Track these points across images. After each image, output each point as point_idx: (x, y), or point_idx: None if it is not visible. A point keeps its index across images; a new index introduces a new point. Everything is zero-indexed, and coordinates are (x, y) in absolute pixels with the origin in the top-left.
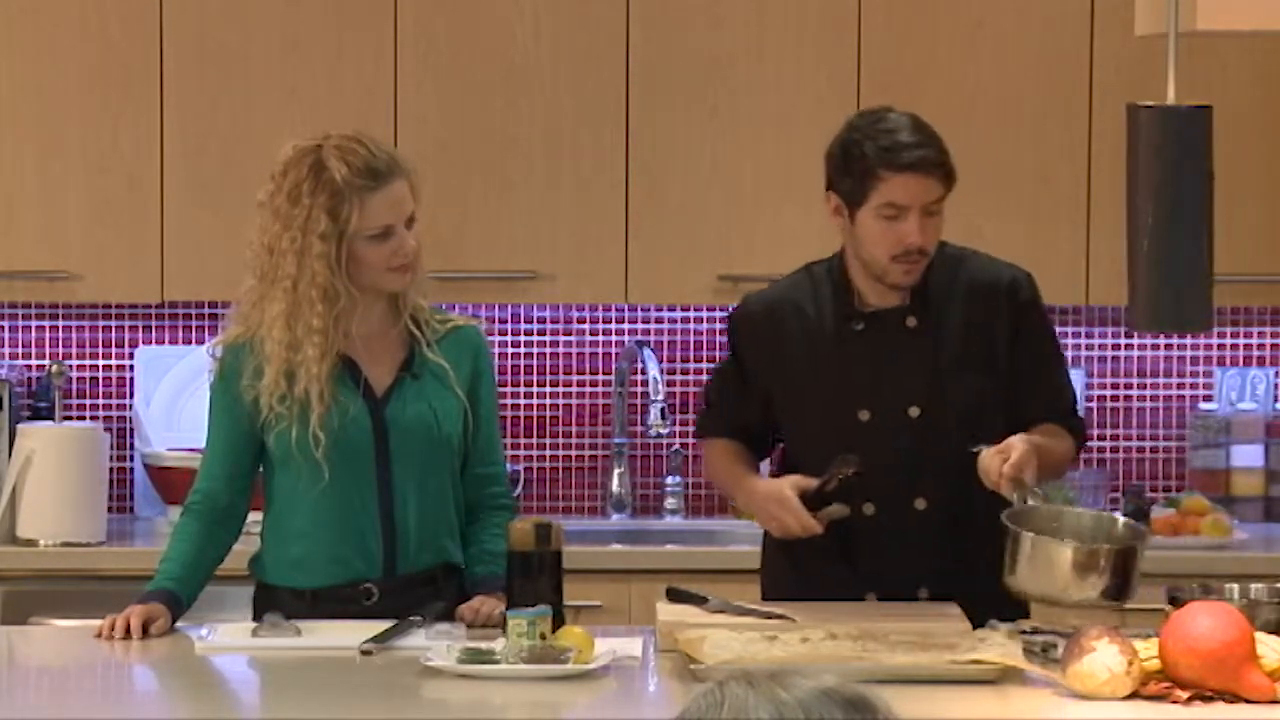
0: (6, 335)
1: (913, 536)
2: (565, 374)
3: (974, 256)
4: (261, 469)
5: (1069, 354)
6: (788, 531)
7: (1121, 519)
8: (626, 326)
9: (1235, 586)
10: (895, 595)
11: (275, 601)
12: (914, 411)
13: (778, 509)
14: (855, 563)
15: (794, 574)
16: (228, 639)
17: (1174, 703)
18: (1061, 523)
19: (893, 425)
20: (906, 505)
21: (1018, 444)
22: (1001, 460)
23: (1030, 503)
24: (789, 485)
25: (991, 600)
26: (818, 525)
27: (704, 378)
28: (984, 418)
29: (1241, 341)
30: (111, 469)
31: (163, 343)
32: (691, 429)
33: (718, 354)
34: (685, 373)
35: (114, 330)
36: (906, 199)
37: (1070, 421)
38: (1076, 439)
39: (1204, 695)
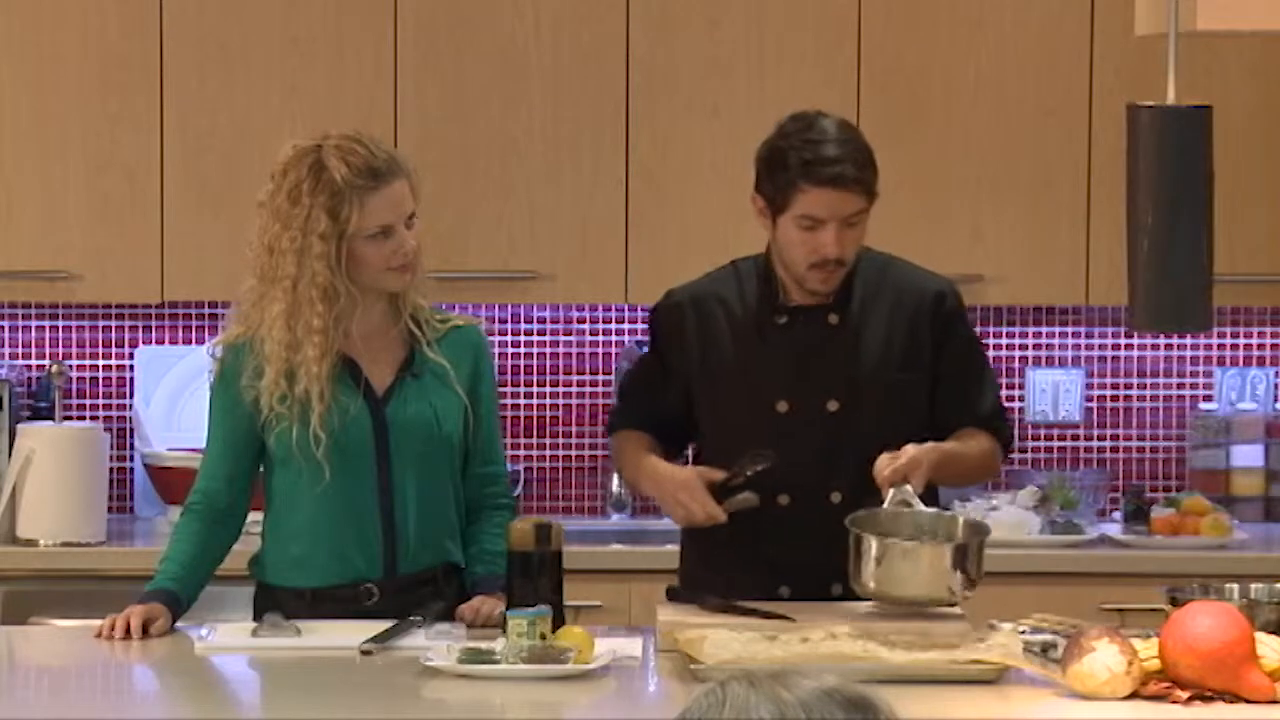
0: (6, 335)
1: (827, 530)
2: (565, 374)
3: (899, 263)
4: (262, 469)
5: (1069, 354)
6: (692, 519)
7: (961, 517)
8: (626, 326)
9: (1235, 586)
10: (808, 590)
11: (275, 601)
12: (832, 405)
13: (685, 496)
14: (768, 555)
15: (705, 568)
16: (228, 639)
17: (1174, 703)
18: (901, 524)
19: (810, 418)
20: (821, 498)
21: (910, 449)
22: (888, 463)
23: (905, 507)
24: (695, 473)
25: None
26: (722, 514)
27: None
28: (902, 416)
29: (1241, 341)
30: (111, 469)
31: (163, 343)
32: None
33: None
34: None
35: (114, 330)
36: (824, 212)
37: (992, 425)
38: (1001, 443)
39: (1204, 695)
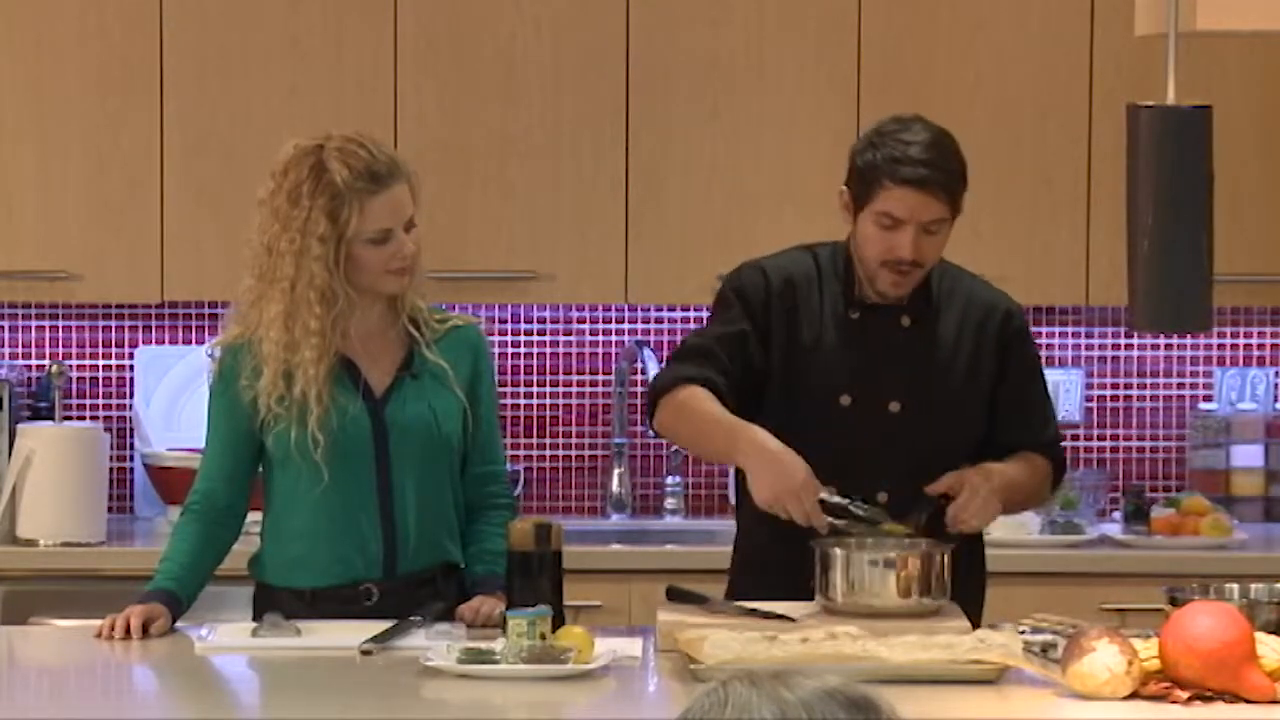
0: (6, 335)
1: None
2: (565, 374)
3: (972, 277)
4: (261, 469)
5: (1069, 354)
6: (787, 514)
7: (924, 539)
8: (626, 326)
9: (1235, 586)
10: None
11: (275, 602)
12: (894, 406)
13: (793, 502)
14: (808, 548)
15: (751, 557)
16: (228, 639)
17: (1174, 703)
18: (866, 543)
19: (871, 415)
20: (869, 496)
21: (983, 491)
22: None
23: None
24: (809, 476)
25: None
26: (824, 523)
27: None
28: (960, 426)
29: (1241, 341)
30: (111, 469)
31: (163, 343)
32: None
33: None
34: None
35: (114, 330)
36: (903, 212)
37: (1051, 451)
38: (1055, 470)
39: (1204, 695)
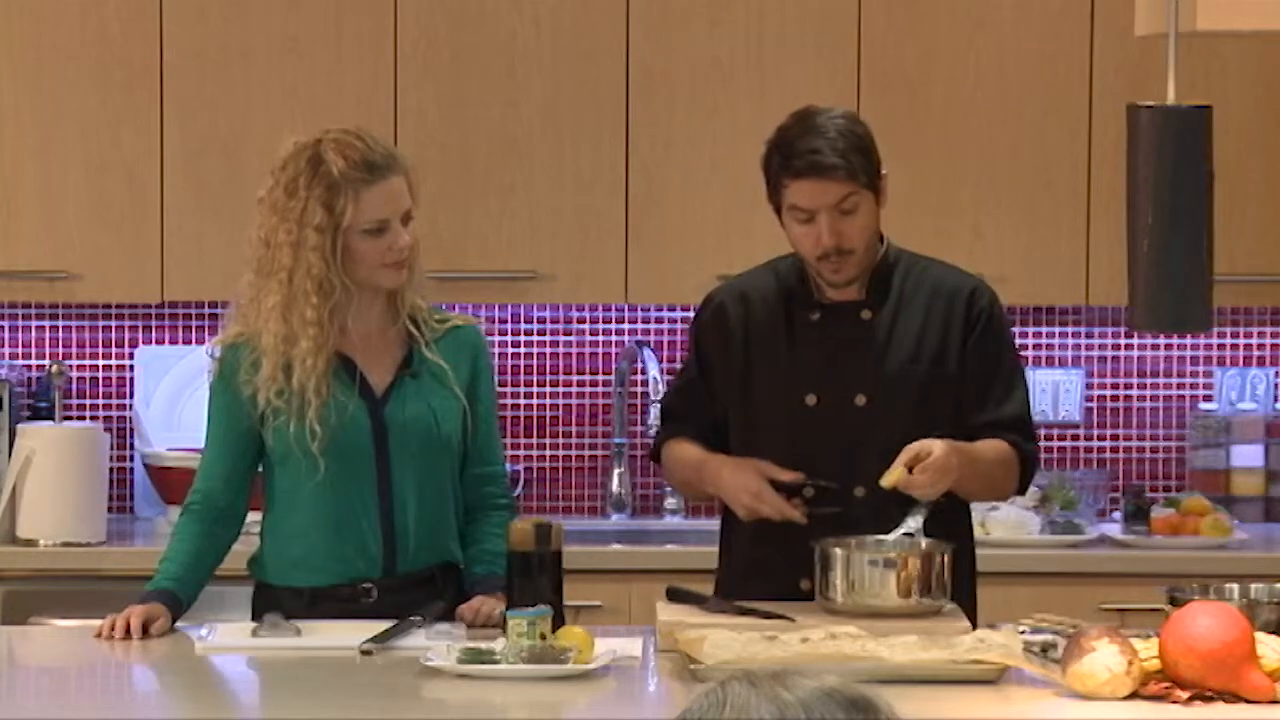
0: (6, 335)
1: (850, 524)
2: (565, 374)
3: (940, 265)
4: (261, 469)
5: (1069, 354)
6: (762, 516)
7: (924, 539)
8: (626, 326)
9: (1235, 586)
10: None
11: (275, 601)
12: (860, 400)
13: (755, 503)
14: (791, 548)
15: (737, 562)
16: (228, 639)
17: (1174, 703)
18: (866, 545)
19: (837, 412)
20: (845, 493)
21: (938, 454)
22: (926, 480)
23: (908, 537)
24: (760, 476)
25: None
26: (797, 514)
27: None
28: (930, 414)
29: (1241, 341)
30: (111, 469)
31: (163, 343)
32: None
33: None
34: None
35: (114, 330)
36: (807, 202)
37: (1012, 433)
38: (1021, 458)
39: (1204, 695)
